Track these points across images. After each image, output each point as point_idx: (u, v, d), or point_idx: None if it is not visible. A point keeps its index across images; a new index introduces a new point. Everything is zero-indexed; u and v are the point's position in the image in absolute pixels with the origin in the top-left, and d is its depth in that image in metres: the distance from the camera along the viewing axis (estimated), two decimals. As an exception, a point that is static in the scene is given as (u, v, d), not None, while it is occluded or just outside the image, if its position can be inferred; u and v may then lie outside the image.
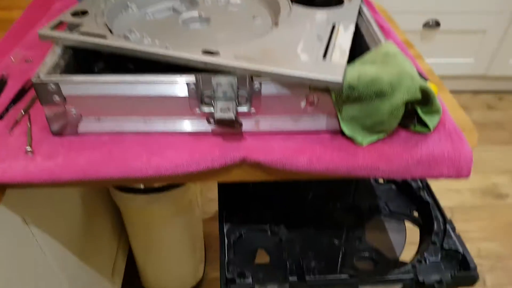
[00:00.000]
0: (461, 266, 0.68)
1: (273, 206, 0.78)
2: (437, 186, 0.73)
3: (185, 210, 1.07)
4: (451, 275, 0.66)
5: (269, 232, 0.75)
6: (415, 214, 0.78)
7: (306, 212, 0.79)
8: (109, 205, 1.09)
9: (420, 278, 0.65)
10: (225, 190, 0.81)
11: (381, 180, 0.84)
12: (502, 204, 1.60)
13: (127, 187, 0.94)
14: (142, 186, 0.94)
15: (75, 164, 0.52)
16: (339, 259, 0.71)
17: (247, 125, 0.56)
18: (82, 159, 0.53)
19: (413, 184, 0.80)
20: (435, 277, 0.66)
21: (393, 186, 0.83)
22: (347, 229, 0.76)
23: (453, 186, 1.64)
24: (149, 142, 0.55)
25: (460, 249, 0.69)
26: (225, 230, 0.74)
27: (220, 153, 0.53)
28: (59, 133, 0.57)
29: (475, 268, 0.67)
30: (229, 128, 0.54)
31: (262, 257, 0.84)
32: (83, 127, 0.56)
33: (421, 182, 0.80)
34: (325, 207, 0.80)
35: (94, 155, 0.53)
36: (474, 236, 1.49)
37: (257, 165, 0.56)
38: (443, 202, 0.75)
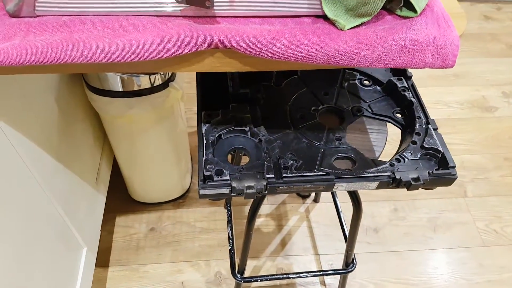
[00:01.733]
0: (440, 165, 0.68)
1: (254, 108, 0.76)
2: (425, 99, 0.72)
3: (167, 116, 1.05)
4: (428, 173, 0.66)
5: (249, 134, 0.73)
6: (399, 116, 0.77)
7: (287, 114, 0.77)
8: (89, 111, 1.06)
9: (397, 176, 0.65)
10: (204, 90, 0.78)
11: (366, 82, 0.81)
12: (490, 117, 1.59)
13: (104, 89, 0.91)
14: (120, 88, 0.91)
15: (33, 46, 0.48)
16: (318, 160, 0.70)
17: (220, 6, 0.52)
18: (41, 41, 0.49)
19: (399, 84, 0.77)
20: (412, 174, 0.65)
21: (378, 88, 0.80)
22: (328, 130, 0.74)
23: (442, 98, 1.62)
24: (112, 24, 0.51)
25: (440, 148, 0.68)
26: (203, 130, 0.72)
27: (190, 35, 0.49)
28: (15, 15, 0.52)
29: (454, 167, 0.67)
30: (199, 6, 0.50)
31: (243, 162, 0.82)
32: (41, 6, 0.51)
33: (407, 82, 0.78)
34: (307, 110, 0.77)
35: (54, 37, 0.49)
36: (458, 148, 1.50)
37: (231, 53, 0.52)
38: (431, 115, 0.73)
